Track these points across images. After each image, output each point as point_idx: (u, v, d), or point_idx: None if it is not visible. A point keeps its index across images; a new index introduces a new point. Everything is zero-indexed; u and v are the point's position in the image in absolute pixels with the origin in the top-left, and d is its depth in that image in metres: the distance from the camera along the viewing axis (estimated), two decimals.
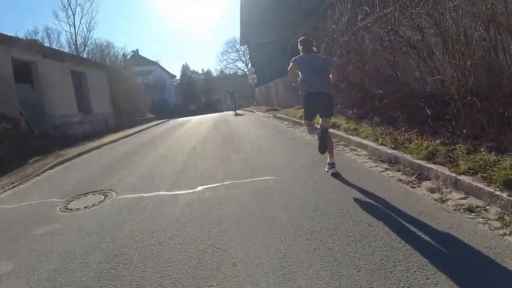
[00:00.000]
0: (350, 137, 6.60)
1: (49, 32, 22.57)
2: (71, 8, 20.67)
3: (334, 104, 4.79)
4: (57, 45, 22.79)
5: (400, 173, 4.35)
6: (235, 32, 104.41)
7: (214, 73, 69.87)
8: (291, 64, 4.56)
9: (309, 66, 4.47)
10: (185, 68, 59.30)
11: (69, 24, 20.44)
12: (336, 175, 4.42)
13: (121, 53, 24.26)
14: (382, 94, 7.72)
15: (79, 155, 9.54)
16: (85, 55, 21.20)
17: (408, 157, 4.54)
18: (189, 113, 48.29)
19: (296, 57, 4.63)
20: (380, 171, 4.55)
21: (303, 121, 5.98)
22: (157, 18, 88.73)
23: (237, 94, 24.49)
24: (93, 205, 4.52)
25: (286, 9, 25.54)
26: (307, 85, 4.42)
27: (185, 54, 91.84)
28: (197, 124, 16.70)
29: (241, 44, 28.64)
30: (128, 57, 55.80)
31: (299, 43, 4.78)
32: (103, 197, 4.83)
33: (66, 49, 22.13)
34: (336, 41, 10.38)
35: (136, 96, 26.06)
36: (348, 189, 3.93)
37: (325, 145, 4.47)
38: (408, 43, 6.83)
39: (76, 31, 20.34)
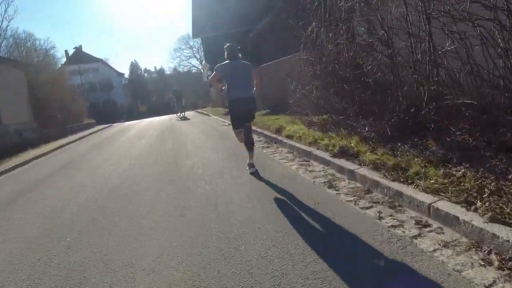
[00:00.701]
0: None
1: None
2: None
3: (255, 107, 4.84)
4: None
5: None
6: (189, 28, 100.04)
7: (168, 71, 65.78)
8: (213, 72, 4.67)
9: (233, 72, 4.53)
10: (134, 66, 54.50)
11: None
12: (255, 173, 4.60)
13: (44, 47, 19.88)
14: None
15: None
16: (2, 51, 16.97)
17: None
18: (139, 115, 44.24)
19: (219, 64, 4.68)
20: None
21: (285, 139, 6.35)
22: (104, 13, 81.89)
23: (183, 95, 21.73)
24: None
25: (242, 1, 23.54)
26: (231, 92, 4.51)
27: (135, 52, 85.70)
28: (139, 133, 13.48)
29: (194, 36, 25.49)
30: (70, 54, 50.43)
31: (225, 49, 4.76)
32: None
33: None
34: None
35: (70, 99, 21.98)
36: None
37: (251, 142, 4.73)
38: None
39: None
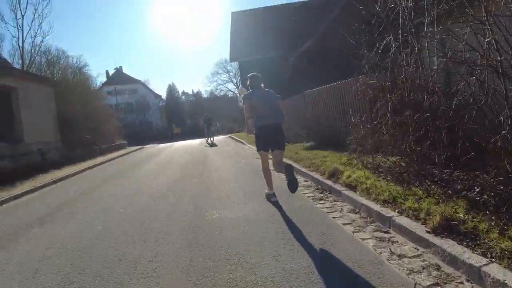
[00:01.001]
0: None
1: None
2: (20, 8, 16.33)
3: (284, 136, 4.80)
4: None
5: None
6: (227, 52, 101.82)
7: (205, 95, 66.34)
8: (245, 103, 4.71)
9: (260, 101, 4.57)
10: (171, 88, 55.07)
11: (17, 28, 16.09)
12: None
13: (76, 65, 19.47)
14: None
15: None
16: (34, 68, 16.66)
17: None
18: (173, 137, 43.82)
19: (246, 94, 4.72)
20: None
21: (344, 190, 4.77)
22: (146, 37, 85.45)
23: (214, 121, 21.77)
24: None
25: (281, 25, 22.70)
26: (259, 120, 4.54)
27: (174, 75, 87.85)
28: (165, 161, 12.11)
29: (231, 60, 24.62)
30: (111, 74, 51.97)
31: (248, 79, 4.85)
32: None
33: (8, 59, 17.47)
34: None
35: (102, 119, 21.40)
36: None
37: (296, 183, 4.35)
38: None
39: (24, 35, 15.96)
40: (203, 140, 21.56)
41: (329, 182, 5.40)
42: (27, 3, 16.05)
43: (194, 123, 50.53)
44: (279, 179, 5.97)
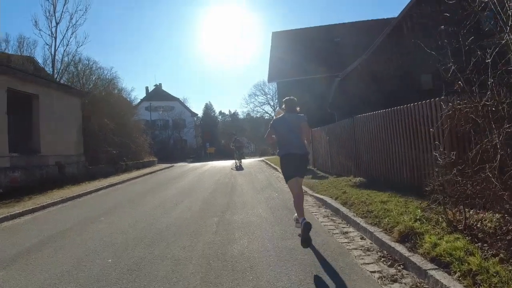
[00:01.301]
0: None
1: (21, 41, 17.54)
2: (55, 16, 16.03)
3: (308, 163, 4.93)
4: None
5: None
6: (265, 75, 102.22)
7: (241, 115, 66.06)
8: (269, 128, 4.62)
9: (284, 127, 4.42)
10: (208, 108, 55.07)
11: (51, 36, 15.84)
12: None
13: (108, 76, 18.71)
14: None
15: None
16: (65, 77, 16.21)
17: None
18: (206, 156, 42.98)
19: (275, 119, 4.65)
20: None
21: (433, 271, 2.96)
22: (187, 56, 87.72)
23: (243, 144, 21.73)
24: None
25: (322, 46, 21.39)
26: (282, 147, 4.43)
27: (211, 95, 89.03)
28: (191, 185, 10.67)
29: (269, 81, 23.34)
30: (150, 90, 52.93)
31: (283, 102, 4.75)
32: None
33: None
34: None
35: (132, 134, 20.67)
36: None
37: (309, 238, 3.74)
38: None
39: (57, 44, 15.57)
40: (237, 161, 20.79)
41: (402, 250, 3.52)
42: (62, 11, 15.68)
43: (228, 143, 49.56)
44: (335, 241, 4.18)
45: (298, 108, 4.65)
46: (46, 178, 11.61)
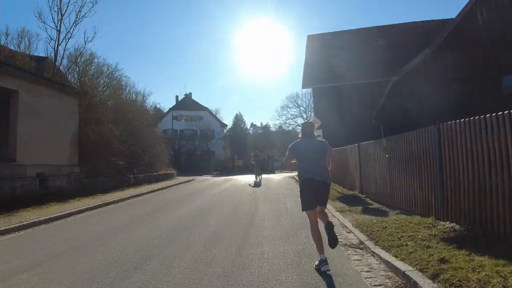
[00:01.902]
0: None
1: (22, 34, 15.55)
2: (61, 8, 13.93)
3: (329, 191, 4.35)
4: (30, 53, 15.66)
5: None
6: (298, 87, 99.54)
7: (273, 128, 63.34)
8: (288, 151, 4.42)
9: (304, 151, 4.26)
10: (238, 118, 52.79)
11: (56, 29, 13.83)
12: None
13: (111, 72, 15.98)
14: None
15: None
16: (70, 75, 14.15)
17: None
18: (233, 169, 40.39)
19: (293, 143, 4.45)
20: None
21: None
22: (219, 66, 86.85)
23: (261, 158, 20.71)
24: None
25: (363, 50, 18.49)
26: (302, 172, 4.21)
27: (243, 106, 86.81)
28: (206, 205, 7.86)
29: (304, 87, 20.37)
30: (180, 99, 51.57)
31: (300, 125, 4.89)
32: None
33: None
34: None
35: (147, 143, 18.38)
36: None
37: (335, 237, 3.83)
38: None
39: (60, 38, 13.47)
40: (265, 176, 20.82)
41: None
42: (68, 3, 13.72)
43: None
44: None
45: (316, 133, 4.74)
46: (20, 193, 9.28)
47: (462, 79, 10.19)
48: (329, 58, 20.40)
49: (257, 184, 16.31)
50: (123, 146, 15.10)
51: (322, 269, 3.67)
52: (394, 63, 17.45)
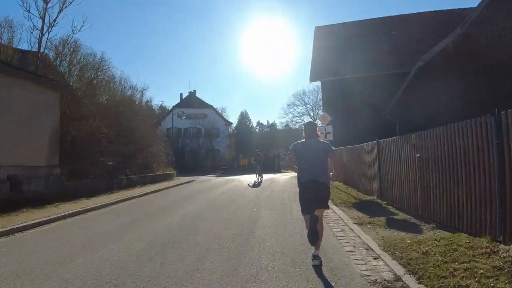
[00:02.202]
0: None
1: (5, 24, 14.01)
2: None
3: (329, 194, 4.27)
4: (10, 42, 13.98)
5: None
6: (305, 83, 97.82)
7: (279, 127, 61.75)
8: (290, 151, 4.39)
9: (304, 152, 4.20)
10: (243, 116, 51.28)
11: (40, 17, 12.42)
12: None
13: (98, 62, 14.20)
14: None
15: None
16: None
17: None
18: (238, 169, 38.99)
19: (295, 143, 4.41)
20: None
21: None
22: (225, 64, 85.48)
23: (262, 158, 20.37)
24: None
25: (374, 41, 17.00)
26: (302, 173, 4.15)
27: (249, 105, 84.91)
28: (195, 214, 6.46)
29: (312, 80, 18.86)
30: (184, 97, 50.21)
31: (303, 126, 4.62)
32: None
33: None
34: None
35: (143, 142, 17.09)
36: None
37: (316, 234, 3.79)
38: None
39: (44, 26, 11.99)
40: (271, 176, 20.63)
41: None
42: None
43: (264, 155, 45.08)
44: None
45: (319, 133, 4.57)
46: None
47: (503, 65, 8.61)
48: (339, 50, 18.90)
49: (256, 185, 15.79)
50: (115, 144, 13.80)
51: (313, 264, 3.81)
52: (409, 54, 15.91)
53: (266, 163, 40.66)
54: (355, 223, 6.14)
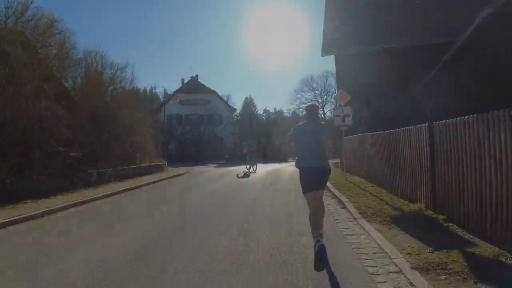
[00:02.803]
0: None
1: None
2: None
3: (329, 176, 4.13)
4: None
5: None
6: (313, 70, 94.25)
7: (287, 114, 58.96)
8: (289, 139, 4.36)
9: (301, 135, 4.12)
10: (247, 102, 48.31)
11: None
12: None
13: (55, 21, 11.37)
14: None
15: None
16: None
17: None
18: (242, 157, 36.26)
19: (296, 126, 4.28)
20: None
21: None
22: (229, 49, 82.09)
23: (254, 148, 19.61)
24: None
25: (397, 9, 14.26)
26: (299, 158, 4.12)
27: (256, 91, 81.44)
28: (178, 219, 3.81)
29: (324, 54, 15.72)
30: (186, 81, 47.28)
31: (305, 109, 4.56)
32: None
33: None
34: None
35: (126, 130, 14.51)
36: None
37: (322, 260, 3.34)
38: None
39: None
40: (276, 167, 20.46)
41: None
42: None
43: (269, 143, 42.26)
44: None
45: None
46: None
47: None
48: (355, 19, 15.86)
49: (246, 175, 15.37)
50: (82, 132, 11.19)
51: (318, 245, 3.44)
52: (443, 24, 12.99)
53: (271, 151, 38.02)
54: (413, 268, 3.39)
